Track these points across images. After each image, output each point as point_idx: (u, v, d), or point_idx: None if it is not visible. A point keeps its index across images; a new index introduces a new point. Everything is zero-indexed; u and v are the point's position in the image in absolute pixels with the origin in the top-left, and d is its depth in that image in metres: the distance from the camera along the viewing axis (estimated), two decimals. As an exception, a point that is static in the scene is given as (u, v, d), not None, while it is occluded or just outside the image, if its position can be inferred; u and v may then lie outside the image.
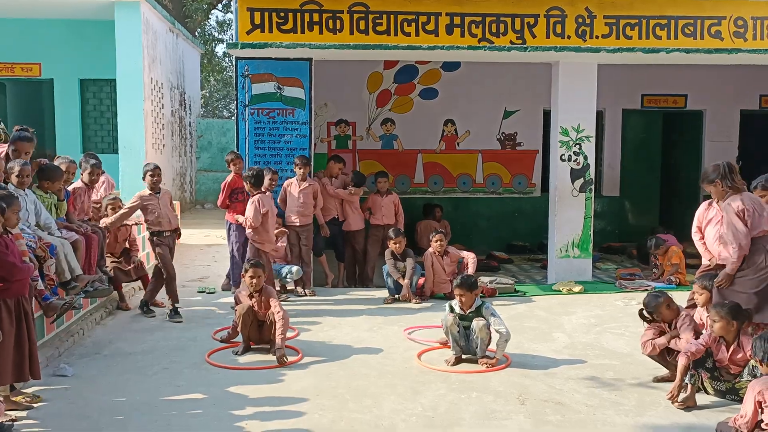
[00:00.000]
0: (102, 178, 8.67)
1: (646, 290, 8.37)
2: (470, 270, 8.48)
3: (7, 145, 6.50)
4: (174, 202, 8.64)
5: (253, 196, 7.98)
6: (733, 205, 5.76)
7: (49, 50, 13.96)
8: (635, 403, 5.39)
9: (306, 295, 8.85)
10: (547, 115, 10.75)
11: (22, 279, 5.04)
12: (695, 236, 6.45)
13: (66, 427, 4.88)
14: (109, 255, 7.97)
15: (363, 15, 8.89)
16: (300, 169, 8.90)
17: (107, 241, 7.87)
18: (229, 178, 8.89)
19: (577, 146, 9.48)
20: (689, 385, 5.30)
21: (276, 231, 8.43)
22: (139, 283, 8.51)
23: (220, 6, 25.98)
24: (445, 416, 5.12)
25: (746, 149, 12.69)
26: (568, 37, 9.14)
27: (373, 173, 10.70)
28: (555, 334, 7.27)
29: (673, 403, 5.30)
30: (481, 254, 10.80)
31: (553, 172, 9.67)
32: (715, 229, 6.14)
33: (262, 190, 8.07)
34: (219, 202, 8.98)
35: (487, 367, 6.12)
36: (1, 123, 7.40)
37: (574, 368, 6.18)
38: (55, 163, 7.28)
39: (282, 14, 8.82)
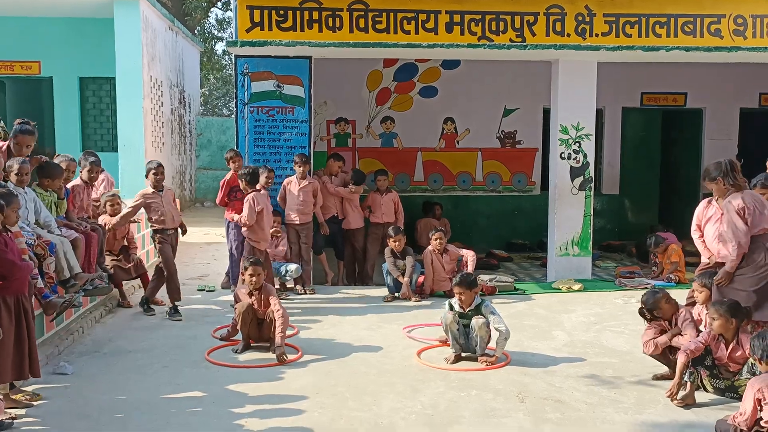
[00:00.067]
0: (101, 177, 8.66)
1: (646, 288, 8.37)
2: (470, 268, 8.48)
3: (5, 142, 6.50)
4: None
5: (248, 194, 7.98)
6: (734, 203, 5.76)
7: (48, 48, 13.96)
8: (634, 400, 5.40)
9: (306, 293, 8.86)
10: (546, 113, 10.75)
11: (22, 277, 5.04)
12: (694, 234, 6.45)
13: (66, 426, 4.88)
14: (108, 253, 7.97)
15: (362, 13, 8.88)
16: (299, 167, 8.90)
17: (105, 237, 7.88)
18: (228, 176, 8.89)
19: (577, 144, 9.48)
20: (688, 383, 5.30)
21: (271, 230, 8.43)
22: (138, 281, 8.52)
23: (219, 4, 25.95)
24: (444, 414, 5.13)
25: (746, 147, 12.67)
26: (568, 35, 9.13)
27: (372, 171, 10.69)
28: (554, 332, 7.28)
29: (672, 400, 5.30)
30: (481, 252, 10.81)
31: (553, 171, 9.67)
32: (715, 227, 6.14)
33: (258, 188, 8.07)
34: (218, 200, 9.00)
35: (487, 365, 6.12)
36: (1, 121, 7.39)
37: (574, 366, 6.18)
38: (55, 161, 7.28)
39: (281, 12, 8.81)
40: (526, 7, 9.05)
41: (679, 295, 6.44)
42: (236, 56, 9.04)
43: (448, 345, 6.41)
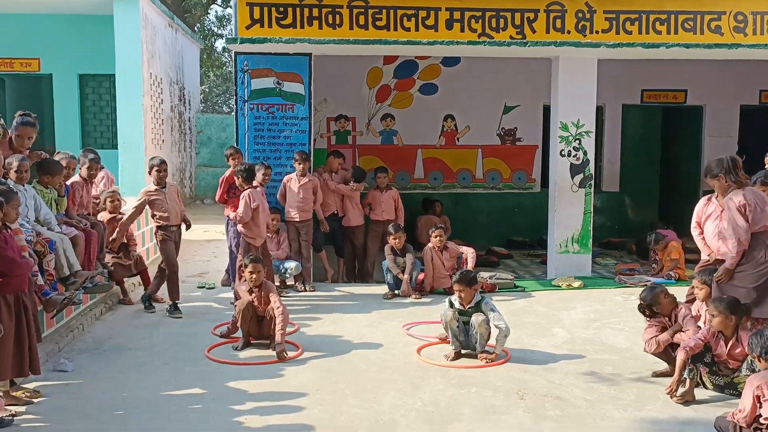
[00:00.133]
0: (101, 174, 8.66)
1: (646, 285, 8.36)
2: (469, 265, 8.49)
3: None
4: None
5: (244, 190, 7.98)
6: (735, 200, 5.75)
7: (48, 45, 13.96)
8: (634, 397, 5.40)
9: (306, 290, 8.86)
10: (546, 110, 10.74)
11: (22, 274, 5.05)
12: (694, 231, 6.44)
13: (66, 423, 4.89)
14: (107, 250, 7.97)
15: (362, 10, 8.87)
16: (299, 164, 8.90)
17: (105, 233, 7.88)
18: (227, 173, 8.88)
19: (577, 141, 9.47)
20: (688, 380, 5.31)
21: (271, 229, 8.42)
22: (138, 278, 8.52)
23: (219, 1, 25.97)
24: (444, 411, 5.13)
25: (746, 145, 12.66)
26: (568, 32, 9.12)
27: (372, 169, 10.70)
28: (554, 329, 7.28)
29: (671, 397, 5.31)
30: (481, 249, 10.82)
31: (553, 168, 9.67)
32: (715, 224, 6.14)
33: (254, 185, 8.07)
34: (217, 197, 9.00)
35: (487, 362, 6.13)
36: (1, 119, 7.39)
37: (574, 363, 6.19)
38: (56, 158, 7.28)
39: (281, 9, 8.80)
40: (527, 3, 9.04)
41: (679, 293, 6.44)
42: (236, 53, 9.03)
43: (448, 342, 6.41)
